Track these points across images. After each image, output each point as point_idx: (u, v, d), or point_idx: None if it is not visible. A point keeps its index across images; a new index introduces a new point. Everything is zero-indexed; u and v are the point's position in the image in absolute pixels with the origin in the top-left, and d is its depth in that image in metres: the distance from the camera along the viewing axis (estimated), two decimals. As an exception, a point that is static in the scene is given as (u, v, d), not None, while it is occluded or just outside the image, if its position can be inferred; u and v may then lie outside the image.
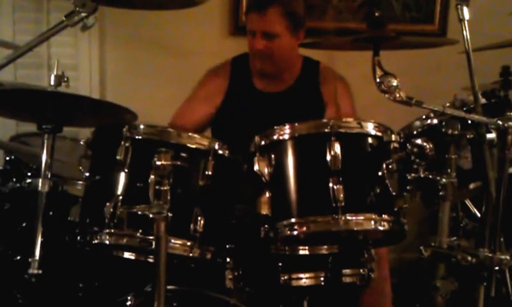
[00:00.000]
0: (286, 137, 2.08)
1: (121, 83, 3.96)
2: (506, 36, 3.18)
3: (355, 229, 2.01)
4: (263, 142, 2.12)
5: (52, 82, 2.15)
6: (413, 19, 3.98)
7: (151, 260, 2.09)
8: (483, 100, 2.10)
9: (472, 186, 2.18)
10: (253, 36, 2.79)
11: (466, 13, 1.95)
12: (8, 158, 2.84)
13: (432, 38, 2.22)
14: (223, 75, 3.00)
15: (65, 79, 2.16)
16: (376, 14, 2.05)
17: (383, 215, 2.01)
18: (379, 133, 2.07)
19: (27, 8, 3.85)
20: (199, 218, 2.06)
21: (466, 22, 1.94)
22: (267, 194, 2.07)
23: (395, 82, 1.92)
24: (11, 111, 2.40)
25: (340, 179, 1.98)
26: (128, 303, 2.23)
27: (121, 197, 2.03)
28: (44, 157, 2.14)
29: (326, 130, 2.03)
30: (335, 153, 1.99)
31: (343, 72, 3.04)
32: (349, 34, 2.11)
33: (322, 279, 2.24)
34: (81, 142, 2.24)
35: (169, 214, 1.85)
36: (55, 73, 2.15)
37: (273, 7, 2.72)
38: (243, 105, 2.94)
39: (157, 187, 1.87)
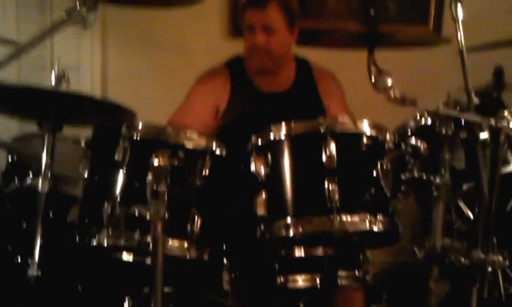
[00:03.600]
0: (282, 136, 2.08)
1: (122, 83, 3.97)
2: (500, 36, 3.18)
3: (350, 229, 2.01)
4: (259, 142, 2.12)
5: (53, 81, 2.17)
6: (407, 20, 3.98)
7: (148, 262, 2.10)
8: (476, 100, 2.10)
9: (465, 187, 2.18)
10: (252, 32, 2.79)
11: (460, 12, 1.95)
12: (10, 159, 2.85)
13: (426, 37, 2.23)
14: (222, 78, 2.96)
15: (66, 78, 2.18)
16: (371, 12, 2.05)
17: (378, 216, 2.01)
18: (374, 133, 2.07)
19: (31, 6, 3.86)
20: (196, 218, 2.06)
21: (460, 22, 1.94)
22: (264, 195, 2.08)
23: (389, 81, 1.92)
24: (11, 110, 2.40)
25: (336, 179, 1.98)
26: (126, 305, 2.24)
27: (119, 198, 2.04)
28: (44, 156, 2.14)
29: (322, 130, 2.03)
30: (331, 152, 1.99)
31: (338, 72, 3.06)
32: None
33: (318, 281, 2.23)
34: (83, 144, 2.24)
35: (167, 215, 1.86)
36: (55, 71, 2.17)
37: (272, 1, 2.75)
38: (248, 106, 2.91)
39: (154, 187, 1.88)
